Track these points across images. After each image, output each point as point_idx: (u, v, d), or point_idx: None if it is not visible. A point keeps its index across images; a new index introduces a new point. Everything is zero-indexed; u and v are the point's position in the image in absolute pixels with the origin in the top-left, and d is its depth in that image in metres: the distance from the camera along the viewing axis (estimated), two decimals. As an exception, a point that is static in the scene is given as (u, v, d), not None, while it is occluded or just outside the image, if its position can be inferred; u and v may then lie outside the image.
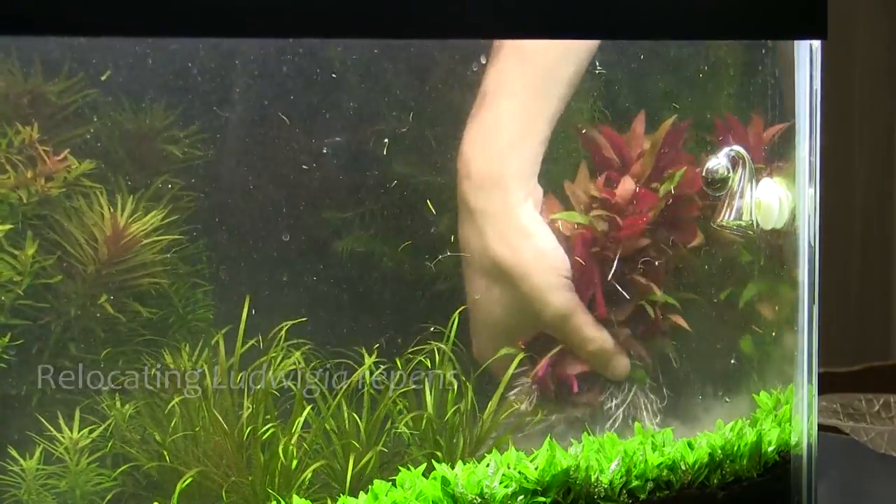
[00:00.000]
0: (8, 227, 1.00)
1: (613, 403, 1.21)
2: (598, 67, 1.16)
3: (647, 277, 1.19)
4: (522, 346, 1.19)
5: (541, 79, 1.15)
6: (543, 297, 1.17)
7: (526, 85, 1.14)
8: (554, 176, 1.18)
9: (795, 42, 1.16)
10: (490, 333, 1.18)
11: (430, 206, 1.15)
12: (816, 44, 1.16)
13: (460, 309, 1.15)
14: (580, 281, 1.18)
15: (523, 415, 1.17)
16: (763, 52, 1.22)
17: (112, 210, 1.03)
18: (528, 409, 1.18)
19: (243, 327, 1.06)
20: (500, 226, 1.16)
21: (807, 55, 1.16)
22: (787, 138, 1.20)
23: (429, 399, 1.11)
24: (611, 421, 1.20)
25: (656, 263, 1.19)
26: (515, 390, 1.18)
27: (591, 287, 1.18)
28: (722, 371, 1.25)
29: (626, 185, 1.18)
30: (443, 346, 1.12)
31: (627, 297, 1.19)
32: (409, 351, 1.11)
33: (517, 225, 1.16)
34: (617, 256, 1.18)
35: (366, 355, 1.09)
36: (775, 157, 1.21)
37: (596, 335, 1.19)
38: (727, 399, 1.25)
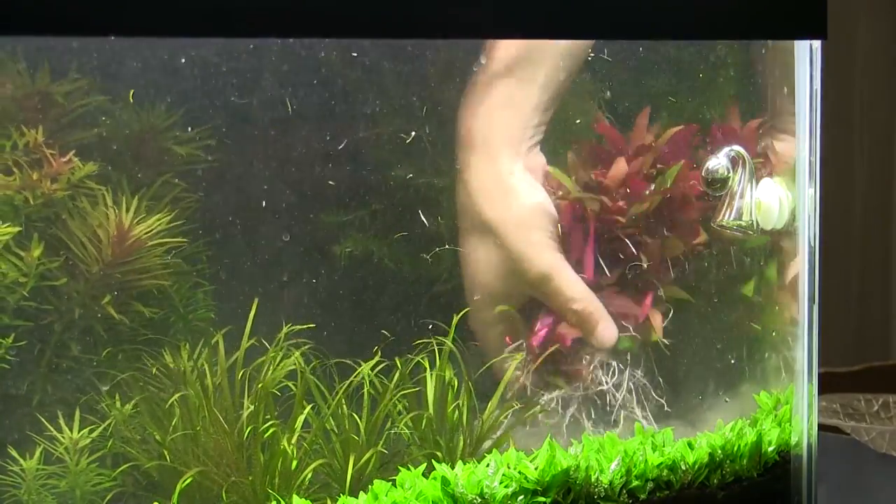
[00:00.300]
0: (16, 229, 1.00)
1: (607, 383, 1.20)
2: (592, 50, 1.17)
3: (641, 255, 1.19)
4: (509, 342, 1.19)
5: (534, 46, 1.16)
6: (526, 254, 1.17)
7: (516, 50, 1.15)
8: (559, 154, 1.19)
9: (795, 42, 1.16)
10: (481, 295, 1.18)
11: (431, 206, 1.15)
12: (816, 44, 1.16)
13: (463, 311, 1.15)
14: (569, 244, 1.18)
15: (522, 391, 1.17)
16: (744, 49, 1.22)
17: (116, 211, 1.03)
18: (525, 379, 1.18)
19: (249, 327, 1.06)
20: (486, 183, 1.17)
21: (807, 55, 1.16)
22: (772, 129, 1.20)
23: (430, 393, 1.11)
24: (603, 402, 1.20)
25: (649, 243, 1.19)
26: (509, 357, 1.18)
27: (579, 251, 1.18)
28: (721, 369, 1.25)
29: (619, 167, 1.18)
30: (445, 340, 1.12)
31: (618, 268, 1.19)
32: (410, 350, 1.11)
33: (503, 183, 1.17)
34: (607, 230, 1.18)
35: (367, 353, 1.10)
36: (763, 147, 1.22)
37: (580, 295, 1.18)
38: (727, 399, 1.25)
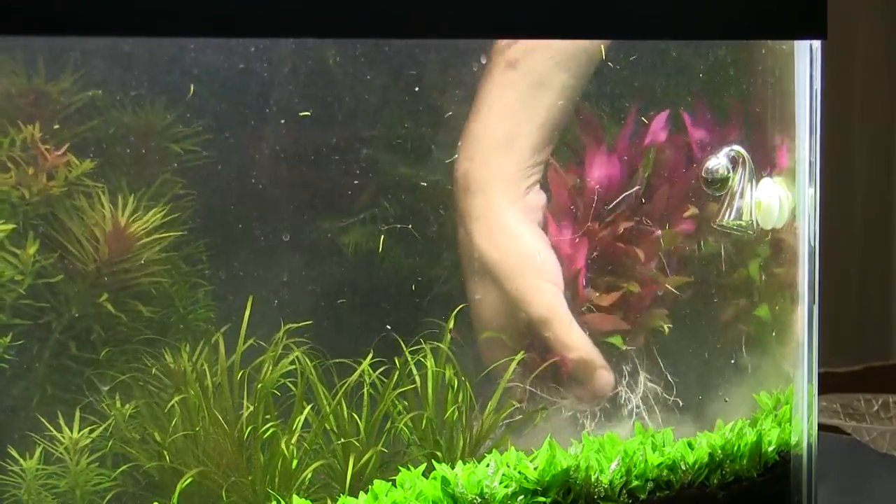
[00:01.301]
0: (10, 226, 1.00)
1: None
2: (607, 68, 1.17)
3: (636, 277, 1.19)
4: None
5: (529, 87, 1.15)
6: (525, 298, 1.17)
7: (513, 93, 1.15)
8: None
9: (795, 42, 1.16)
10: (489, 336, 1.18)
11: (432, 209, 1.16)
12: (816, 44, 1.16)
13: (458, 308, 1.15)
14: (569, 285, 1.18)
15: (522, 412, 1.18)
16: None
17: (113, 210, 1.03)
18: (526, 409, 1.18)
19: (245, 326, 1.06)
20: (485, 227, 1.16)
21: (807, 55, 1.16)
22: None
23: (430, 394, 1.11)
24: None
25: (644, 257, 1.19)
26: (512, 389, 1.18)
27: (578, 288, 1.18)
28: (722, 370, 1.26)
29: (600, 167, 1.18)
30: (441, 346, 1.12)
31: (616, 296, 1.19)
32: (410, 350, 1.11)
33: (501, 226, 1.16)
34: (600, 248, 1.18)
35: (366, 353, 1.10)
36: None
37: (578, 343, 1.17)
38: (726, 400, 1.25)
